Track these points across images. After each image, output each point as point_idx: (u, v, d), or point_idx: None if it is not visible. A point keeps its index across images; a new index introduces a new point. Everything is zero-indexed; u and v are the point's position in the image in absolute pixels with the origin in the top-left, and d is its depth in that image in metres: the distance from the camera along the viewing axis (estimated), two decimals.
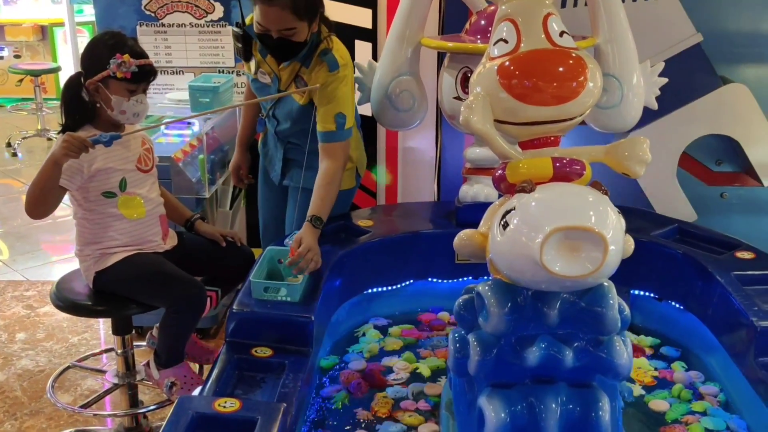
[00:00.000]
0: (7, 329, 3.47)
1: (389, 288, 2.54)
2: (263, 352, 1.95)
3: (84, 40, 6.37)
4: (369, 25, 3.21)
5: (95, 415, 2.69)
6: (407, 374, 2.24)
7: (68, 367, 2.80)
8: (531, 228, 1.50)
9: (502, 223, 1.57)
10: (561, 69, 1.66)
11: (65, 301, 2.32)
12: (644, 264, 2.40)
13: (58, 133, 2.25)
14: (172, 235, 2.46)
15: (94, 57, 2.24)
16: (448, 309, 2.48)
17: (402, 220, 2.70)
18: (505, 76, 1.66)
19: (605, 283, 1.61)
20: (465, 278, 2.50)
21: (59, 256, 4.41)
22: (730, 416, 2.04)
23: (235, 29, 2.51)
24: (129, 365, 2.49)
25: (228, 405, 1.65)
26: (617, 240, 1.52)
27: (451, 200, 2.70)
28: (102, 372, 2.88)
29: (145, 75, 2.24)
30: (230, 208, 3.50)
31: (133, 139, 2.36)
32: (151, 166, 2.40)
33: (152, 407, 2.57)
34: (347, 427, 2.02)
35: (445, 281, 2.57)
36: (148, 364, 2.36)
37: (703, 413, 2.06)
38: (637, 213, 2.69)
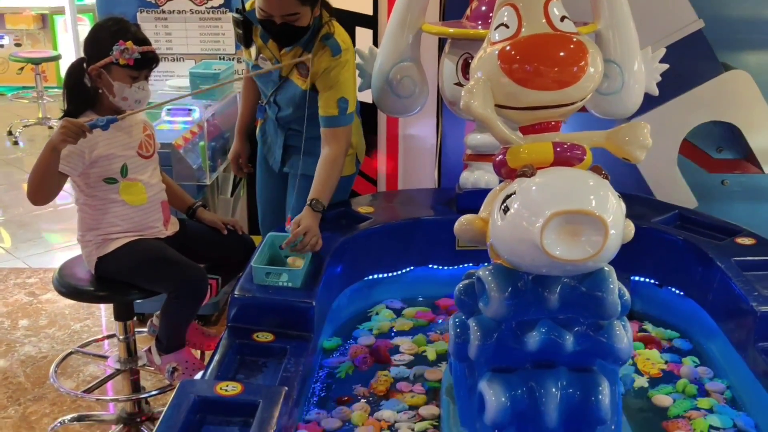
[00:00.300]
0: (9, 316, 3.48)
1: (390, 274, 2.54)
2: (265, 337, 1.96)
3: (85, 27, 6.38)
4: (370, 12, 3.20)
5: (97, 400, 2.71)
6: (411, 356, 2.25)
7: (71, 353, 2.82)
8: (531, 212, 1.51)
9: (503, 207, 1.58)
10: (562, 54, 1.66)
11: (67, 286, 2.33)
12: (645, 250, 2.40)
13: (59, 119, 2.25)
14: (174, 222, 2.46)
15: (97, 43, 2.24)
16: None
17: (402, 207, 2.71)
18: (506, 61, 1.66)
19: (606, 268, 1.61)
20: (466, 265, 2.50)
21: (61, 244, 4.42)
22: (738, 413, 1.98)
23: (235, 15, 2.50)
24: (131, 351, 2.50)
25: (230, 388, 1.66)
26: (617, 224, 1.53)
27: (452, 187, 2.70)
28: (104, 358, 2.89)
29: (147, 62, 2.24)
30: (231, 196, 3.51)
31: (135, 125, 2.36)
32: (152, 152, 2.40)
33: (154, 392, 2.58)
34: (345, 398, 2.05)
35: (445, 268, 2.57)
36: (149, 349, 2.38)
37: (710, 410, 2.01)
38: (637, 199, 2.69)
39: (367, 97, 2.77)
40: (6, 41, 7.58)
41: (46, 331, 3.35)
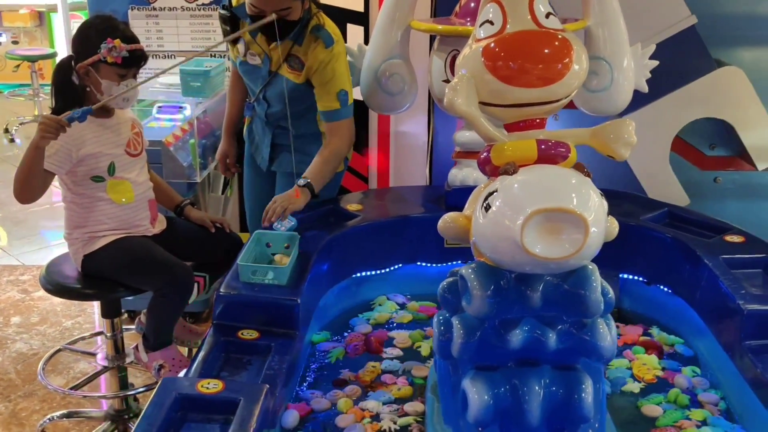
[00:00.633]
0: (2, 313, 3.49)
1: (378, 272, 2.54)
2: (249, 334, 1.96)
3: (79, 25, 6.34)
4: (361, 9, 3.19)
5: (84, 396, 2.71)
6: (400, 350, 2.25)
7: (59, 350, 2.82)
8: (512, 210, 1.50)
9: (485, 205, 1.57)
10: (546, 50, 1.65)
11: (54, 284, 2.32)
12: (633, 248, 2.40)
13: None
14: (161, 220, 2.46)
15: (84, 41, 2.23)
16: None
17: (391, 204, 2.70)
18: (490, 58, 1.64)
19: (589, 266, 1.61)
20: (454, 262, 2.50)
21: (56, 241, 4.41)
22: (732, 426, 1.92)
23: (222, 12, 2.49)
24: (118, 348, 2.50)
25: (211, 386, 1.66)
26: (599, 222, 1.52)
27: (443, 184, 2.69)
28: (92, 355, 2.89)
29: (135, 60, 2.24)
30: (222, 193, 3.50)
31: (123, 122, 2.35)
32: (140, 150, 2.40)
33: (141, 389, 2.58)
34: (342, 379, 2.10)
35: (434, 265, 2.56)
36: (137, 347, 2.37)
37: (703, 422, 1.94)
38: (627, 197, 2.69)
39: (357, 94, 2.76)
40: (3, 39, 7.57)
41: (37, 328, 3.35)
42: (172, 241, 2.39)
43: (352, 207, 2.56)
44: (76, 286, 2.32)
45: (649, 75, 2.60)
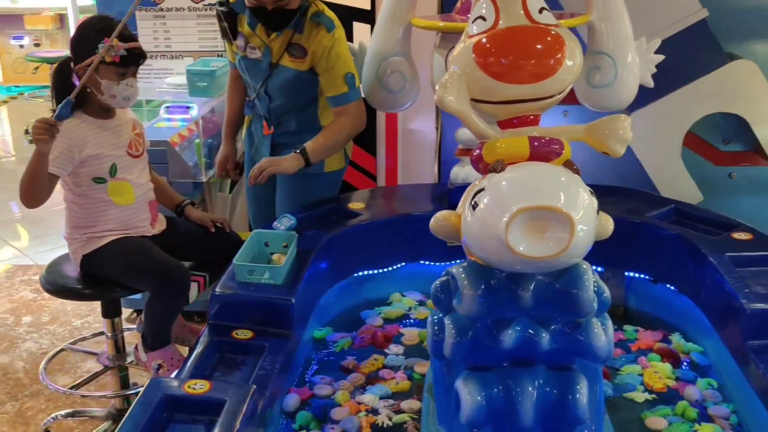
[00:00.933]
0: (14, 312, 3.52)
1: (380, 271, 2.52)
2: (243, 334, 1.95)
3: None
4: (368, 6, 3.18)
5: (83, 396, 2.73)
6: (407, 346, 2.24)
7: (61, 350, 2.85)
8: (498, 208, 1.48)
9: (472, 203, 1.55)
10: (538, 46, 1.61)
11: (54, 284, 2.34)
12: (639, 246, 2.35)
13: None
14: (161, 220, 2.46)
15: (82, 42, 2.24)
16: None
17: (394, 203, 2.68)
18: (480, 54, 1.62)
19: (583, 265, 1.58)
20: (458, 261, 2.46)
21: None
22: None
23: (219, 8, 2.49)
24: (119, 348, 2.51)
25: (198, 387, 1.65)
26: (587, 220, 1.49)
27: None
28: (94, 354, 2.91)
29: (134, 58, 2.24)
30: (230, 193, 3.50)
31: (124, 124, 2.36)
32: (141, 151, 2.40)
33: (140, 389, 2.58)
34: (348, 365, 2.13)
35: (437, 264, 2.53)
36: (137, 347, 2.38)
37: None
38: (634, 194, 2.63)
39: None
40: (26, 41, 7.67)
41: (47, 327, 3.38)
42: (172, 241, 2.40)
43: (355, 205, 2.54)
44: (76, 287, 2.33)
45: (655, 70, 2.55)
